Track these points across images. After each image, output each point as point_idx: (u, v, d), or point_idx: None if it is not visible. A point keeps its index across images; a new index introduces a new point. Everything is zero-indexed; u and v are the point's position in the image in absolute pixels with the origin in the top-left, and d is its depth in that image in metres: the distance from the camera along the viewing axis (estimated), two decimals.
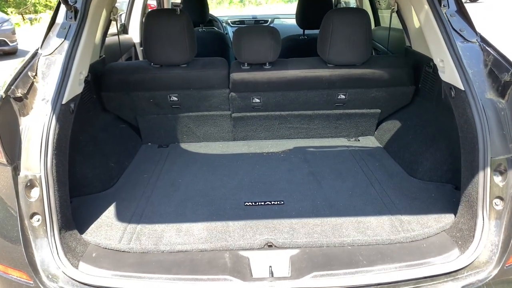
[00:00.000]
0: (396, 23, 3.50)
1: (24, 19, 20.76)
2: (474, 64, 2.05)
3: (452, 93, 2.09)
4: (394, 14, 3.31)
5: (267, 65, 2.91)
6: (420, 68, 2.97)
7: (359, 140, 3.24)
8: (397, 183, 2.52)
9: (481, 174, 1.88)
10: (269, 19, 6.24)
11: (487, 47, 2.10)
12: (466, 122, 1.97)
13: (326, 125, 3.21)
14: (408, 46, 3.23)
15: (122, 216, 2.23)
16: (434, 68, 2.74)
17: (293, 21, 5.92)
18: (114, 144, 2.88)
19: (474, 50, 2.11)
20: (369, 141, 3.23)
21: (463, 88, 1.98)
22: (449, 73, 2.12)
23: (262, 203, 2.33)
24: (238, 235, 2.03)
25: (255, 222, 2.13)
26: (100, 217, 2.22)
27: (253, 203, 2.33)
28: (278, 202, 2.33)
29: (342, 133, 3.28)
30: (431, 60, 2.76)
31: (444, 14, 2.19)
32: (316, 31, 4.51)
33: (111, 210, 2.29)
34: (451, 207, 2.21)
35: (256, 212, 2.25)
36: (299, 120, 3.17)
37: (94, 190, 2.47)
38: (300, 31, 4.26)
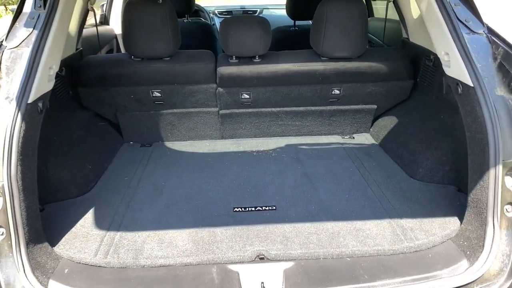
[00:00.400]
0: (391, 14, 3.32)
1: (6, 10, 20.15)
2: (482, 58, 1.88)
3: (459, 89, 1.92)
4: (390, 4, 3.14)
5: (257, 58, 2.72)
6: (419, 61, 2.81)
7: (354, 138, 3.08)
8: (396, 185, 2.36)
9: (491, 178, 1.72)
10: (258, 10, 6.02)
11: (495, 39, 1.94)
12: (474, 121, 1.81)
13: (319, 122, 3.04)
14: (405, 38, 3.06)
15: (99, 225, 2.04)
16: (434, 62, 2.58)
17: (283, 12, 5.72)
18: (92, 143, 2.67)
19: (482, 42, 1.94)
20: (364, 139, 3.06)
21: (471, 84, 1.81)
22: (455, 68, 1.95)
23: (253, 209, 2.15)
24: (226, 246, 1.85)
25: (245, 231, 1.95)
26: (75, 226, 2.02)
27: (243, 209, 2.15)
28: (270, 208, 2.16)
29: (336, 130, 3.10)
30: (431, 52, 2.60)
31: (448, 3, 2.02)
32: (308, 22, 4.34)
33: (87, 218, 2.10)
34: (456, 211, 2.06)
35: (246, 219, 2.07)
36: (291, 116, 2.98)
37: (70, 195, 2.27)
38: (291, 22, 4.06)
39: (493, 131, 1.71)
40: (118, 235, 1.96)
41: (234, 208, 2.16)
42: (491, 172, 1.72)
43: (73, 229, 2.00)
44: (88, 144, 2.62)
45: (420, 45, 2.80)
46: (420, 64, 2.79)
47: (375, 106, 2.97)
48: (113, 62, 2.76)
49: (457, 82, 1.93)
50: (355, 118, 3.04)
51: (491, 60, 1.89)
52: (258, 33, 2.60)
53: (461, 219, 1.97)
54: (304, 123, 3.03)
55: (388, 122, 2.97)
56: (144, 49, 2.64)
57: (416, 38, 2.89)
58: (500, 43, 1.90)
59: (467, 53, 1.86)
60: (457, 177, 2.30)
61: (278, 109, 2.93)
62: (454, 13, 1.98)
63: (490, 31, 1.99)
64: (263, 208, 2.16)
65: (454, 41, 1.91)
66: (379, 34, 3.75)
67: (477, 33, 1.96)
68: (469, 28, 1.97)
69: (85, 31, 3.22)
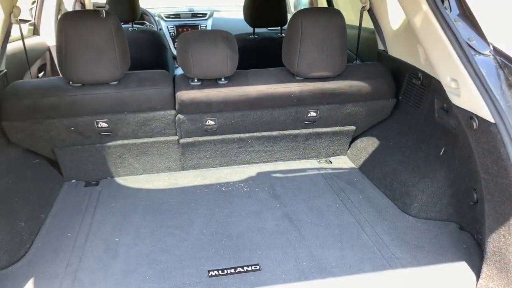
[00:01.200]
0: (353, 20, 3.02)
1: None
2: (495, 85, 1.62)
3: (474, 124, 1.64)
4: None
5: (223, 79, 2.33)
6: (401, 77, 2.54)
7: (331, 162, 2.77)
8: (391, 224, 2.08)
9: None
10: (208, 12, 5.58)
11: (505, 61, 1.68)
12: (496, 164, 1.54)
13: (293, 146, 2.70)
14: (381, 50, 2.79)
15: None
16: (423, 80, 2.31)
17: (235, 14, 5.33)
18: (25, 190, 2.17)
19: (490, 65, 1.68)
20: (342, 162, 2.76)
21: (492, 120, 1.53)
22: (468, 98, 1.67)
23: (232, 271, 1.77)
24: None
25: None
26: None
27: (220, 272, 1.76)
28: (253, 268, 1.79)
29: (311, 154, 2.78)
30: (419, 70, 2.33)
31: (450, 18, 1.74)
32: (267, 30, 3.98)
33: None
34: (464, 256, 1.80)
35: (225, 286, 1.69)
36: (262, 142, 2.62)
37: None
38: (246, 25, 3.66)
39: None
40: None
41: (209, 271, 1.77)
42: None
43: None
44: (20, 192, 2.12)
45: (401, 59, 2.54)
46: (403, 81, 2.52)
47: (354, 128, 2.68)
48: (47, 89, 2.25)
49: (471, 116, 1.65)
50: (332, 140, 2.73)
51: (506, 87, 1.63)
52: (225, 52, 2.21)
53: (472, 266, 1.72)
54: (276, 149, 2.69)
55: (367, 144, 2.69)
56: (86, 74, 2.17)
57: (395, 51, 2.62)
58: None
59: (482, 81, 1.58)
60: (455, 211, 2.05)
61: (247, 134, 2.56)
62: (458, 31, 1.71)
63: (497, 51, 1.74)
64: (245, 268, 1.78)
65: (465, 66, 1.63)
66: (349, 44, 3.45)
67: (483, 54, 1.70)
68: (474, 49, 1.70)
69: (11, 47, 2.67)
